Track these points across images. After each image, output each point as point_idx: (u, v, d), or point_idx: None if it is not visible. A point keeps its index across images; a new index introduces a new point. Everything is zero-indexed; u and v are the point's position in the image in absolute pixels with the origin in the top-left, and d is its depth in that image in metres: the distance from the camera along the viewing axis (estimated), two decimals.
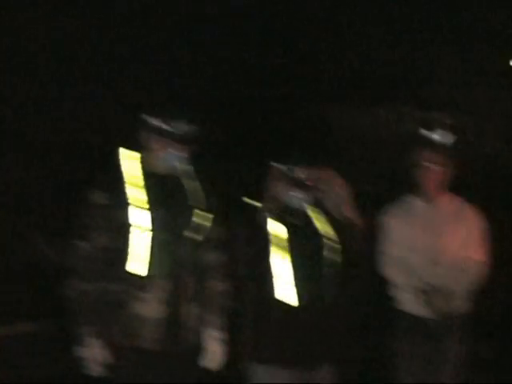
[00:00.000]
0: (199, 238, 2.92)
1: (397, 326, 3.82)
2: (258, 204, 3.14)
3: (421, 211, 3.80)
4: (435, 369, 3.73)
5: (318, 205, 3.19)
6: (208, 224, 2.96)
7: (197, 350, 2.96)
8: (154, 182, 2.89)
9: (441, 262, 3.69)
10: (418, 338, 3.73)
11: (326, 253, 3.12)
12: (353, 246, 3.17)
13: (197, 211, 2.93)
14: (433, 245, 3.71)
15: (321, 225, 3.18)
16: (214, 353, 3.01)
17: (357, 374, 4.46)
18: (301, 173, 3.09)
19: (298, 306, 3.04)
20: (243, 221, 3.14)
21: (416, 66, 14.08)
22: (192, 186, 2.98)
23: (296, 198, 3.11)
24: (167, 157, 2.90)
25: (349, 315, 3.24)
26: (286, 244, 3.07)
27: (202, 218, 2.94)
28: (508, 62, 13.70)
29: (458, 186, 3.81)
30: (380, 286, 3.86)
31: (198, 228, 2.92)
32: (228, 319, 3.05)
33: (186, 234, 2.90)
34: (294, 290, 3.04)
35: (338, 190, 3.12)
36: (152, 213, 2.83)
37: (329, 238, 3.15)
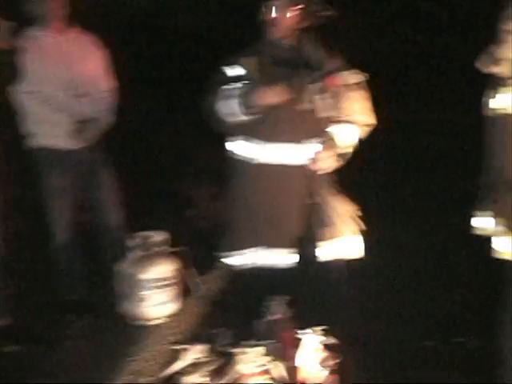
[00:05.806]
0: None
1: (41, 163, 3.82)
2: None
3: (50, 44, 3.79)
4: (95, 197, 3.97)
5: None
6: None
7: None
8: None
9: (78, 93, 3.81)
10: (63, 170, 3.82)
11: None
12: None
13: None
14: (67, 77, 3.78)
15: None
16: None
17: None
18: None
19: None
20: None
21: None
22: None
23: None
24: None
25: None
26: None
27: None
28: None
29: None
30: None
31: None
32: None
33: None
34: None
35: None
36: None
37: None
